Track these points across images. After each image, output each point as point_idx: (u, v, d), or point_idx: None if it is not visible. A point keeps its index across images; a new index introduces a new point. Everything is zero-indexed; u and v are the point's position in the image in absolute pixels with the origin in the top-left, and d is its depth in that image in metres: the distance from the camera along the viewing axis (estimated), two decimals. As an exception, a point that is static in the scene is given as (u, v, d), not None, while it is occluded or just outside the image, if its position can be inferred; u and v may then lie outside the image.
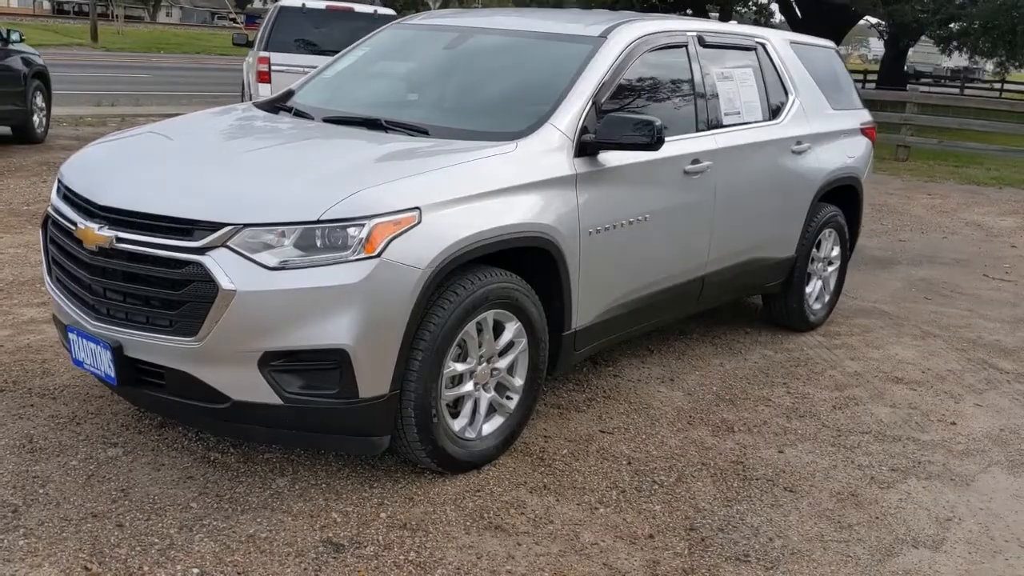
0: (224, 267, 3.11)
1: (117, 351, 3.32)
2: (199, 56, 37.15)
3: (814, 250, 5.79)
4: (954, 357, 5.66)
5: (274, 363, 3.18)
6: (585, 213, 3.94)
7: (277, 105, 4.59)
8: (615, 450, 4.01)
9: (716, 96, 4.84)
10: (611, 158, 4.09)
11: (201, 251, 3.14)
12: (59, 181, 3.77)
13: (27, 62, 11.44)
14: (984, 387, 5.17)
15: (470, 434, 3.69)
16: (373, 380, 3.25)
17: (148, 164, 3.71)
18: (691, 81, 4.71)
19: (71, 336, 3.54)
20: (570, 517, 3.43)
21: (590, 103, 4.05)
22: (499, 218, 3.54)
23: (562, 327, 4.00)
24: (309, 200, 3.21)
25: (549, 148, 3.86)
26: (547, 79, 4.20)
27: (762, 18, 26.85)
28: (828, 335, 5.94)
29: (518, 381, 3.85)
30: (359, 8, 11.94)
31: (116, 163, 3.77)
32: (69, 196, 3.60)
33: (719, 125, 4.82)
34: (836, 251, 6.06)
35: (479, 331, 3.62)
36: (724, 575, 3.15)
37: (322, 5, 11.78)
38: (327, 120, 4.22)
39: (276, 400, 3.22)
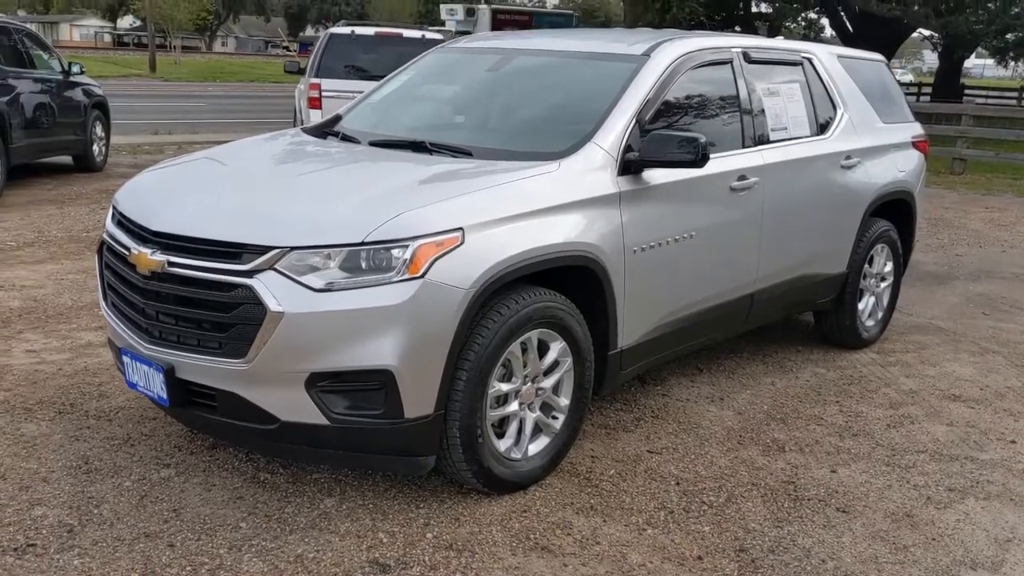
0: (272, 289, 3.16)
1: (169, 373, 3.38)
2: (253, 84, 37.87)
3: (866, 266, 5.70)
4: (1014, 374, 5.52)
5: (320, 384, 3.22)
6: (629, 231, 3.93)
7: (325, 130, 4.66)
8: (663, 470, 3.98)
9: (762, 112, 4.80)
10: (656, 176, 4.07)
11: (249, 274, 3.19)
12: (113, 207, 3.86)
13: (87, 93, 11.78)
14: (1048, 405, 5.03)
15: (516, 454, 3.68)
16: (418, 400, 3.27)
17: (199, 190, 3.79)
18: (737, 97, 4.69)
19: (125, 359, 3.61)
20: (617, 538, 3.40)
21: (633, 121, 4.05)
22: (541, 237, 3.55)
23: (608, 346, 3.98)
24: (354, 222, 3.24)
25: (592, 167, 3.86)
26: (590, 98, 4.21)
27: (811, 33, 26.59)
28: (882, 352, 5.83)
29: (564, 401, 3.83)
30: (407, 33, 12.10)
31: (168, 189, 3.85)
32: (123, 222, 3.69)
33: (766, 141, 4.78)
34: (889, 266, 5.96)
35: (524, 351, 3.62)
36: (775, 597, 3.10)
37: (371, 31, 11.96)
38: (373, 144, 4.27)
39: (323, 420, 3.25)
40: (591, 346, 3.88)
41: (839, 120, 5.40)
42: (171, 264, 3.34)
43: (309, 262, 3.19)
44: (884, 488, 3.93)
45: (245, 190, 3.73)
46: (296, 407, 3.25)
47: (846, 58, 5.78)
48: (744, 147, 4.64)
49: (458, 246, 3.29)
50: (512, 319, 3.48)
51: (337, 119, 4.84)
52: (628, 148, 3.98)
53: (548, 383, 3.75)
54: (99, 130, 12.13)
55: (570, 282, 3.81)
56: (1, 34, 10.18)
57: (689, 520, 3.57)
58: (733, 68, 4.72)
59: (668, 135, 3.97)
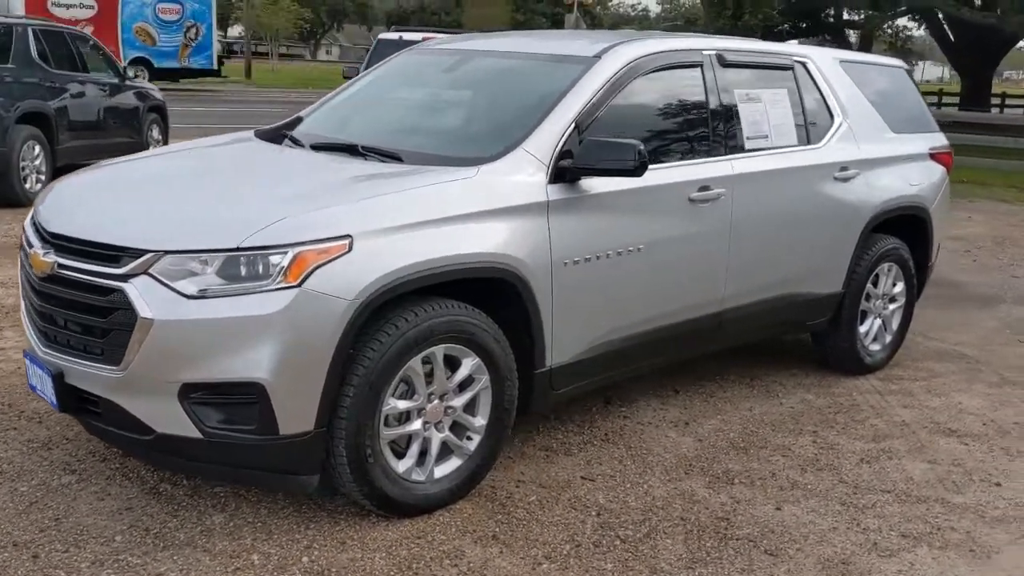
0: (144, 294, 3.04)
1: (58, 378, 3.29)
2: (342, 90, 38.35)
3: (869, 286, 5.30)
4: (1031, 408, 5.05)
5: (193, 395, 3.08)
6: (560, 243, 3.69)
7: (280, 132, 4.53)
8: (589, 499, 3.71)
9: (736, 118, 4.49)
10: (597, 185, 3.82)
11: (124, 278, 3.08)
12: (33, 207, 3.81)
13: (143, 97, 12.03)
14: (1055, 444, 4.57)
15: (418, 476, 3.47)
16: (295, 416, 3.10)
17: (112, 191, 3.72)
18: (705, 103, 4.39)
19: (26, 360, 3.55)
20: (507, 572, 3.17)
21: (572, 127, 3.80)
22: (446, 247, 3.34)
23: (535, 364, 3.75)
24: (234, 227, 3.10)
25: (516, 174, 3.64)
26: (532, 102, 3.97)
27: (899, 42, 25.54)
28: (887, 379, 5.41)
29: (479, 421, 3.61)
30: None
31: (85, 190, 3.80)
32: (34, 222, 3.64)
33: (739, 149, 4.47)
34: (899, 287, 5.53)
35: (428, 366, 3.41)
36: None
37: (419, 36, 11.89)
38: (314, 146, 4.13)
39: (196, 434, 3.11)
40: (513, 364, 3.65)
41: (836, 129, 5.03)
42: (60, 266, 3.26)
43: (187, 267, 3.06)
44: (828, 530, 3.59)
45: (153, 193, 3.63)
46: (171, 419, 3.12)
47: (852, 63, 5.40)
48: (711, 156, 4.34)
49: (344, 254, 3.12)
50: (410, 333, 3.28)
51: (298, 121, 4.72)
52: (565, 155, 3.74)
53: (459, 402, 3.54)
54: (156, 133, 12.37)
55: (492, 296, 3.59)
56: (55, 40, 10.45)
57: (594, 555, 3.30)
58: (703, 72, 4.42)
59: (603, 141, 3.72)
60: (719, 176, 4.31)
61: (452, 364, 3.49)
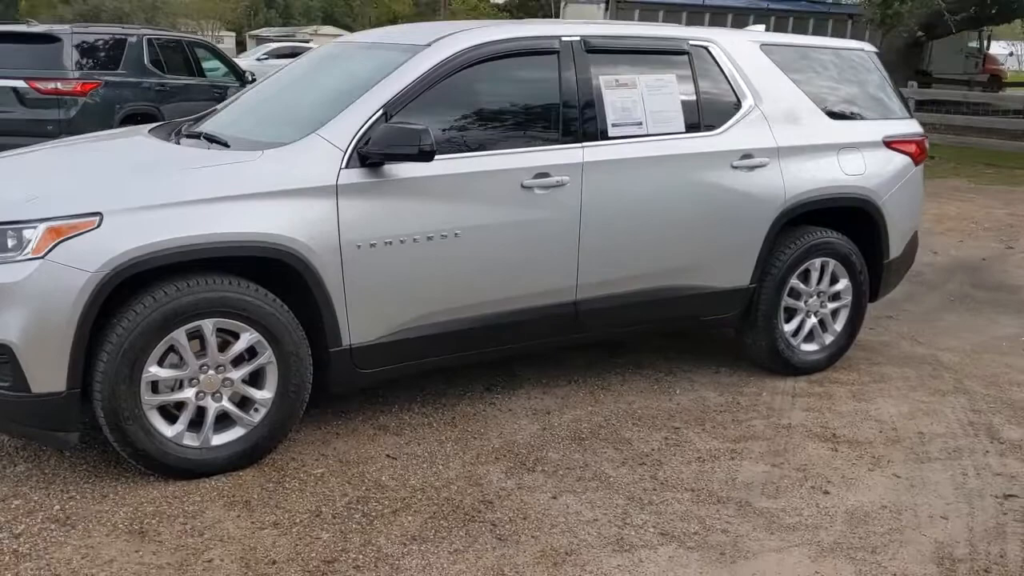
0: None
1: None
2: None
3: (797, 282, 5.01)
4: (953, 419, 4.60)
5: (-37, 353, 3.46)
6: (351, 226, 3.81)
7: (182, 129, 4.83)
8: (372, 476, 3.80)
9: (597, 105, 4.40)
10: (404, 170, 3.91)
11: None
12: None
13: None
14: (941, 456, 4.18)
15: (191, 441, 3.70)
16: (44, 377, 3.41)
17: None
18: (557, 90, 4.33)
19: None
20: (229, 534, 3.33)
21: (379, 113, 3.91)
22: (203, 226, 3.55)
23: (329, 343, 3.88)
24: (2, 204, 3.46)
25: (304, 158, 3.79)
26: (352, 89, 4.10)
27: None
28: (818, 382, 5.08)
29: (265, 394, 3.79)
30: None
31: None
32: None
33: (597, 136, 4.37)
34: (842, 284, 5.17)
35: (198, 339, 3.63)
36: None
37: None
38: (186, 136, 4.43)
39: (-33, 387, 3.48)
40: (302, 340, 3.81)
41: (742, 115, 4.80)
42: None
43: (-34, 238, 3.45)
44: (585, 522, 3.50)
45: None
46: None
47: (783, 47, 5.11)
48: (556, 144, 4.29)
49: (92, 230, 3.40)
50: (170, 305, 3.52)
51: (209, 114, 5.03)
52: (368, 141, 3.85)
53: (237, 374, 3.74)
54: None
55: (282, 275, 3.77)
56: (171, 47, 11.47)
57: (324, 526, 3.41)
58: (559, 59, 4.37)
59: (392, 127, 3.81)
60: (563, 163, 4.25)
61: (232, 338, 3.69)
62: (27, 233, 3.37)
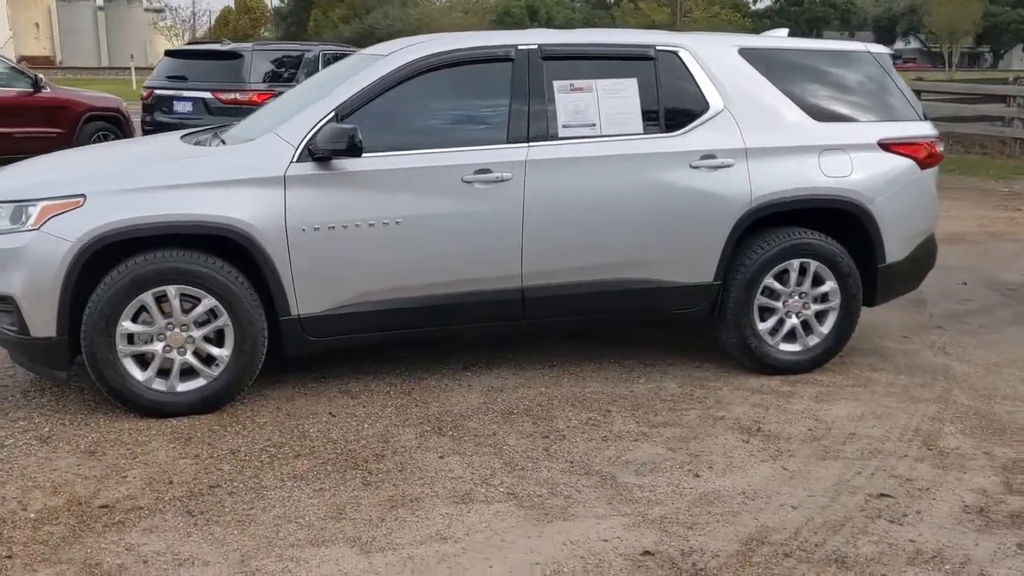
0: None
1: None
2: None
3: (772, 281, 5.09)
4: (900, 425, 4.54)
5: (-10, 302, 4.42)
6: (297, 212, 4.44)
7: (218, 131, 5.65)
8: (299, 428, 4.39)
9: (548, 108, 4.77)
10: (351, 165, 4.50)
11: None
12: None
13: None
14: (850, 456, 4.19)
15: (159, 386, 4.46)
16: (40, 324, 4.31)
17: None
18: (508, 94, 4.75)
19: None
20: (154, 459, 4.06)
21: (330, 115, 4.52)
22: (166, 208, 4.32)
23: (280, 312, 4.53)
24: (16, 185, 4.43)
25: (260, 153, 4.49)
26: (320, 93, 4.75)
27: None
28: (792, 382, 5.11)
29: (223, 352, 4.50)
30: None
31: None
32: None
33: (546, 137, 4.74)
34: (828, 286, 5.18)
35: (164, 301, 4.40)
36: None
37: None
38: (214, 138, 5.26)
39: (-7, 329, 4.45)
40: (255, 307, 4.49)
41: (708, 117, 4.97)
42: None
43: (-5, 213, 4.42)
44: (454, 478, 3.91)
45: (32, 164, 5.07)
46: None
47: (766, 51, 5.21)
48: (501, 143, 4.70)
49: (77, 208, 4.26)
50: (138, 272, 4.32)
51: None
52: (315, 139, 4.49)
53: (198, 333, 4.47)
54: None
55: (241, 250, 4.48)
56: (286, 60, 12.46)
57: (223, 461, 4.04)
58: (514, 66, 4.78)
59: (332, 128, 4.42)
60: (505, 161, 4.66)
61: (192, 302, 4.43)
62: (31, 209, 4.28)
